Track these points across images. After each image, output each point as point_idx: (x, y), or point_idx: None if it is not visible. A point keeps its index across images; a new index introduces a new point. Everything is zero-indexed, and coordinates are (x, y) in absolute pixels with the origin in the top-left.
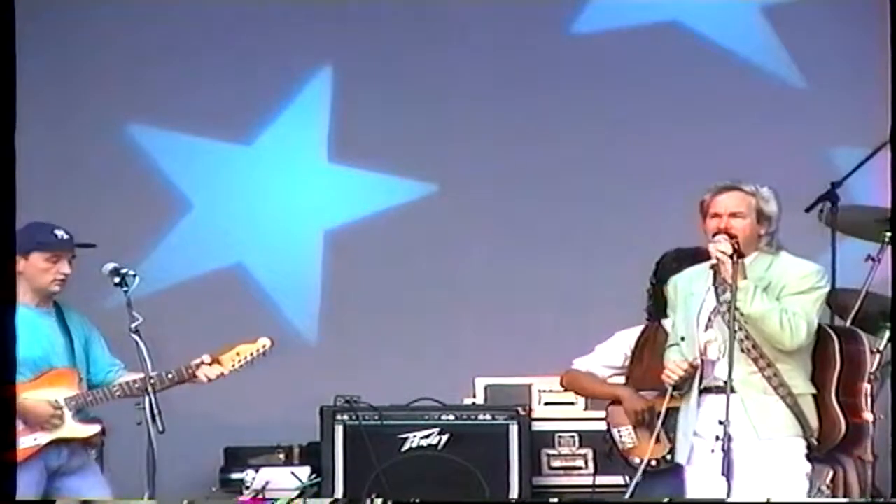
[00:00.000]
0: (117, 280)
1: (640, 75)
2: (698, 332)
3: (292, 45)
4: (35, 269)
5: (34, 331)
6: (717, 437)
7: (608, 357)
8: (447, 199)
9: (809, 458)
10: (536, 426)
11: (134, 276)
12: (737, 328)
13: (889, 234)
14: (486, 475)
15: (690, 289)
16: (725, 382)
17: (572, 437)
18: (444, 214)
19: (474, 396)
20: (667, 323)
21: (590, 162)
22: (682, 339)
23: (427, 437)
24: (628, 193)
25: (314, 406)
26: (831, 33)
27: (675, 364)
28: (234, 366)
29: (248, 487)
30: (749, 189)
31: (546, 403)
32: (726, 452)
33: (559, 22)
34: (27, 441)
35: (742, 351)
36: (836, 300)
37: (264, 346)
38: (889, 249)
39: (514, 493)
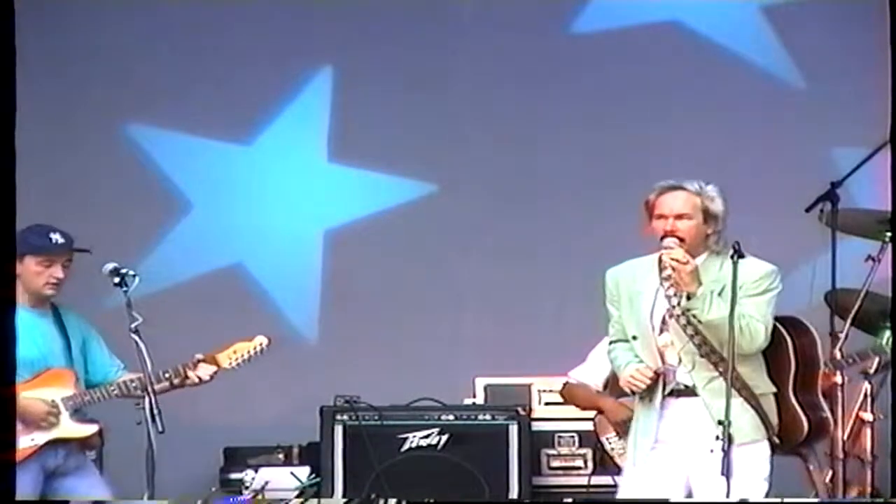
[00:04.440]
0: (117, 280)
1: (640, 75)
2: (654, 335)
3: (292, 45)
4: (29, 272)
5: (31, 332)
6: (718, 437)
7: (597, 366)
8: (447, 199)
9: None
10: (536, 426)
11: (134, 276)
12: (692, 333)
13: (889, 234)
14: (486, 475)
15: (636, 287)
16: (687, 387)
17: (572, 437)
18: (444, 214)
19: (474, 396)
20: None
21: (590, 162)
22: (635, 338)
23: (427, 437)
24: (628, 193)
25: (314, 406)
26: (831, 33)
27: (639, 372)
28: (230, 364)
29: (247, 487)
30: (694, 188)
31: (546, 403)
32: (726, 452)
33: (559, 22)
34: (24, 441)
35: (702, 356)
36: (836, 300)
37: (261, 345)
38: (889, 249)
39: (514, 493)
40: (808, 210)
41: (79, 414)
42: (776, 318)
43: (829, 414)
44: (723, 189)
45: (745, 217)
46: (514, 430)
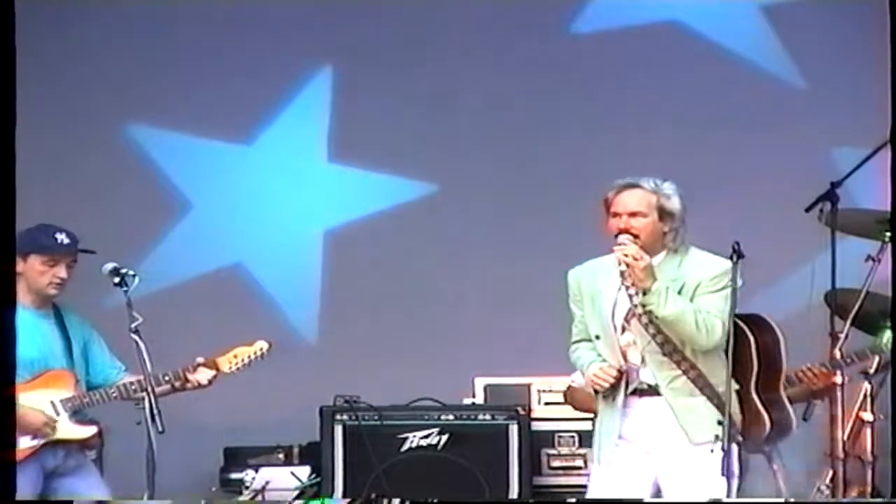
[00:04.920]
0: (117, 280)
1: (640, 75)
2: (616, 334)
3: (292, 45)
4: (32, 272)
5: (32, 332)
6: (717, 437)
7: None
8: (447, 199)
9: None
10: (536, 426)
11: (134, 276)
12: (654, 332)
13: (889, 234)
14: (486, 475)
15: (597, 286)
16: (650, 386)
17: (572, 437)
18: (444, 214)
19: (474, 396)
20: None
21: (590, 161)
22: (598, 337)
23: (427, 437)
24: None
25: (314, 406)
26: (831, 33)
27: (603, 371)
28: (230, 368)
29: (247, 487)
30: (649, 186)
31: (546, 403)
32: (726, 452)
33: (559, 22)
34: (23, 441)
35: (664, 355)
36: (836, 300)
37: (262, 349)
38: (889, 249)
39: (514, 493)
40: (808, 210)
41: (78, 415)
42: (739, 317)
43: (791, 412)
44: (722, 189)
45: (744, 217)
46: (514, 430)
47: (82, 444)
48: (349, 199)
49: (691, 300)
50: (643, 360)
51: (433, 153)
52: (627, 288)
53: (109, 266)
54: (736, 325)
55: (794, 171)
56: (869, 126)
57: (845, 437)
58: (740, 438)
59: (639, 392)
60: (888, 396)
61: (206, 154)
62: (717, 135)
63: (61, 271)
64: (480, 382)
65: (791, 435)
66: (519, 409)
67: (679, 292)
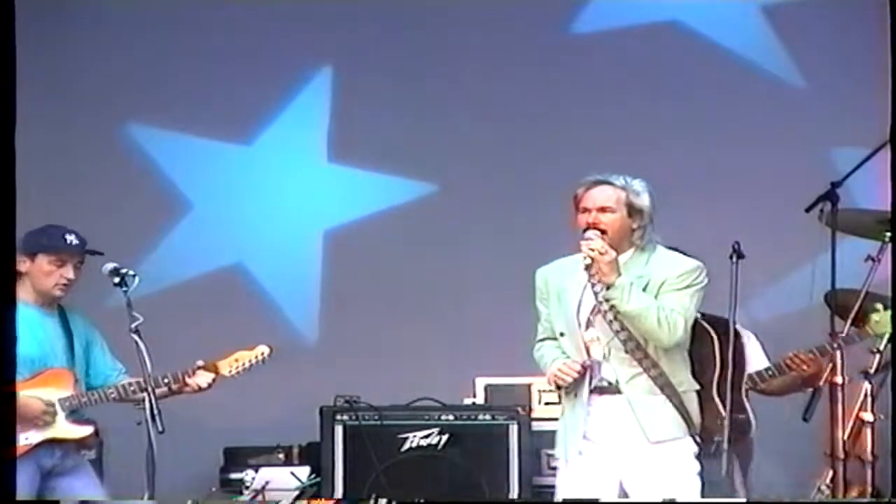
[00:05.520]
0: (117, 280)
1: (640, 75)
2: (580, 331)
3: (292, 45)
4: (39, 271)
5: (35, 331)
6: (714, 439)
7: None
8: (447, 199)
9: (699, 456)
10: (536, 426)
11: (133, 276)
12: (618, 328)
13: (889, 234)
14: (486, 475)
15: (563, 283)
16: (611, 383)
17: None
18: (444, 214)
19: (474, 396)
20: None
21: (589, 161)
22: (562, 334)
23: (427, 437)
24: None
25: (314, 406)
26: (831, 33)
27: (566, 366)
28: (230, 372)
29: (247, 487)
30: (619, 183)
31: (546, 403)
32: (727, 452)
33: (559, 22)
34: (18, 440)
35: (626, 352)
36: (836, 300)
37: (263, 354)
38: (889, 249)
39: (514, 493)
40: (808, 210)
41: (75, 415)
42: (706, 319)
43: (751, 415)
44: (722, 189)
45: (744, 217)
46: (514, 430)
47: (79, 444)
48: (349, 199)
49: (656, 297)
50: (605, 357)
51: (433, 153)
52: (593, 284)
53: (109, 266)
54: (699, 326)
55: (794, 171)
56: (869, 126)
57: (845, 437)
58: (699, 439)
59: (599, 390)
60: (888, 396)
61: (206, 154)
62: (717, 135)
63: (69, 272)
64: (480, 382)
65: (748, 437)
66: (519, 409)
67: (644, 289)
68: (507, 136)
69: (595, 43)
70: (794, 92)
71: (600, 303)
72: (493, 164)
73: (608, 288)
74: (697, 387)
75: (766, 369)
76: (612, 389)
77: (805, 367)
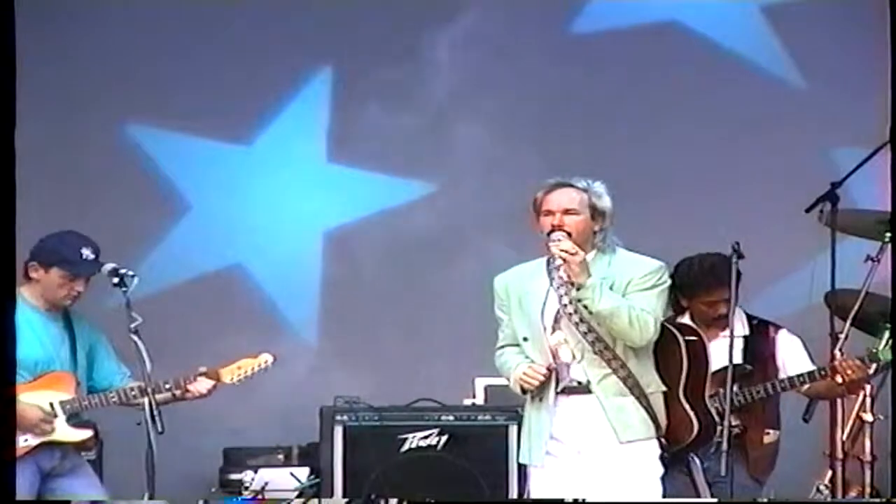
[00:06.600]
0: (116, 280)
1: (640, 75)
2: (546, 335)
3: (292, 45)
4: (52, 283)
5: (39, 334)
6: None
7: None
8: (447, 199)
9: (663, 459)
10: None
11: (133, 276)
12: (585, 330)
13: (889, 234)
14: (486, 475)
15: (525, 288)
16: (580, 383)
17: None
18: (444, 214)
19: (474, 396)
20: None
21: (589, 162)
22: (525, 339)
23: (427, 437)
24: (628, 192)
25: (314, 406)
26: (831, 33)
27: (532, 369)
28: (232, 379)
29: (247, 488)
30: (581, 185)
31: None
32: (727, 452)
33: (559, 22)
34: (18, 441)
35: (595, 353)
36: (836, 300)
37: (266, 362)
38: (889, 249)
39: (513, 494)
40: (808, 210)
41: (75, 418)
42: (670, 322)
43: (716, 419)
44: (722, 189)
45: (744, 217)
46: (514, 430)
47: (79, 446)
48: (349, 199)
49: (623, 297)
50: (574, 357)
51: (433, 153)
52: (559, 287)
53: (109, 266)
54: (666, 329)
55: (794, 171)
56: (869, 126)
57: (845, 438)
58: (664, 441)
59: (568, 391)
60: (888, 396)
61: (206, 154)
62: (717, 135)
63: (79, 285)
64: (480, 383)
65: (712, 440)
66: (519, 409)
67: (610, 288)
68: (506, 136)
69: (595, 43)
70: (794, 92)
71: (565, 305)
72: (493, 163)
73: (579, 289)
74: (664, 388)
75: (810, 372)
76: (581, 390)
77: (850, 372)
